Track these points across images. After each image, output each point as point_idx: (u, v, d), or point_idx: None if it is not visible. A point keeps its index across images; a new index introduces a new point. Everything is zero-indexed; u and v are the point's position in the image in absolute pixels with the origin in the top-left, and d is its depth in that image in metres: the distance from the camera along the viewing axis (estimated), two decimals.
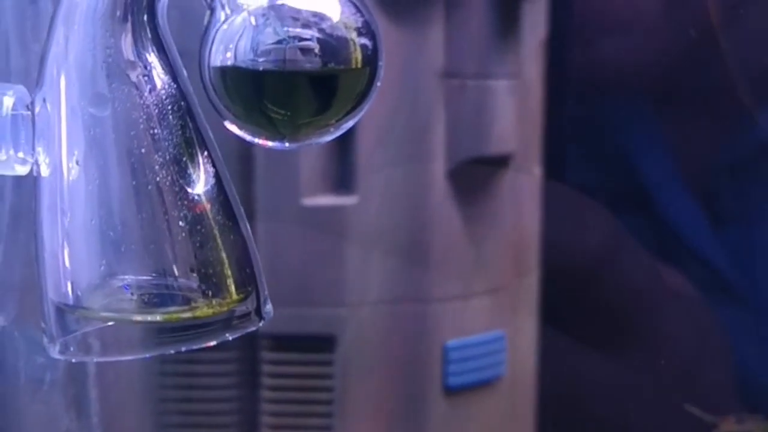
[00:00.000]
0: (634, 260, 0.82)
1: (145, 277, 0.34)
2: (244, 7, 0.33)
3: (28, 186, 0.41)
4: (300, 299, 0.70)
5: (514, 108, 0.74)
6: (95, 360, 0.36)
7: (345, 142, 0.70)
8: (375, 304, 0.71)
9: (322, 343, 0.71)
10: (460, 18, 0.71)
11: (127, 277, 0.34)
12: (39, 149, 0.34)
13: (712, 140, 0.82)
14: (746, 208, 0.82)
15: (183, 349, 0.34)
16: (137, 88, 0.33)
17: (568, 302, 0.82)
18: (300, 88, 0.34)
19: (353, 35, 0.34)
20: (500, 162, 0.74)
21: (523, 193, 0.77)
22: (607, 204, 0.83)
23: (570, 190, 0.83)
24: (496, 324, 0.75)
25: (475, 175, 0.73)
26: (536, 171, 0.78)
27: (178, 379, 0.69)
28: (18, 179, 0.41)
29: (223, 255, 0.34)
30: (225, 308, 0.34)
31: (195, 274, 0.34)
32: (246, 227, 0.35)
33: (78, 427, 0.45)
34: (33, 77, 0.35)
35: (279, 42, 0.33)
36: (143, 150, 0.33)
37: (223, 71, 0.34)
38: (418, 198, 0.71)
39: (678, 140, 0.82)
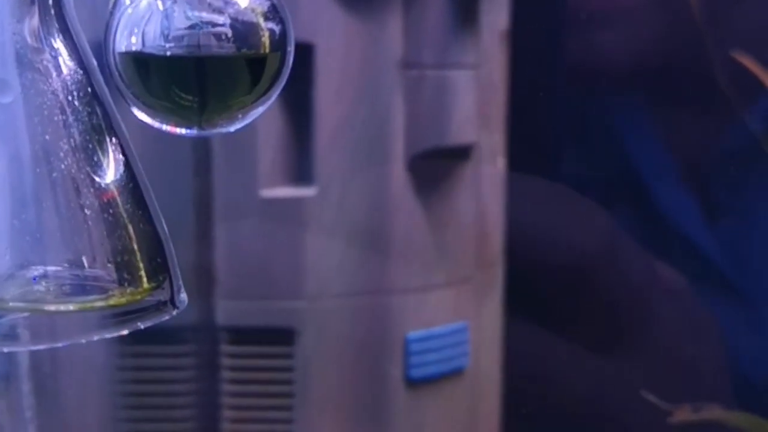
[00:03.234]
0: (616, 248, 0.82)
1: (57, 268, 0.33)
2: None
3: None
4: (260, 292, 0.70)
5: (474, 98, 0.74)
6: (26, 348, 0.36)
7: (304, 133, 0.70)
8: (335, 296, 0.71)
9: (283, 336, 0.70)
10: (419, 7, 0.71)
11: (39, 267, 0.33)
12: None
13: (705, 132, 0.81)
14: (741, 201, 0.82)
15: (94, 337, 0.33)
16: (43, 74, 0.33)
17: (535, 292, 0.82)
18: (210, 75, 0.33)
19: (261, 20, 0.33)
20: (461, 153, 0.74)
21: (485, 184, 0.76)
22: (599, 196, 0.83)
23: (535, 181, 0.83)
24: (459, 315, 0.75)
25: (436, 166, 0.73)
26: (499, 162, 0.78)
27: (134, 373, 0.69)
28: None
29: (134, 244, 0.33)
30: (138, 297, 0.34)
31: (110, 264, 0.33)
32: (158, 216, 0.34)
33: (9, 421, 0.45)
34: None
35: (191, 27, 0.33)
36: (49, 137, 0.32)
37: (129, 57, 0.33)
38: (378, 189, 0.71)
39: (668, 131, 0.82)
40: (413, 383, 0.73)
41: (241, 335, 0.70)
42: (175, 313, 0.35)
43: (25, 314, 0.34)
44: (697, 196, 0.82)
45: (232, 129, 0.34)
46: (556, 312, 0.82)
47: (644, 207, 0.83)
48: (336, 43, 0.69)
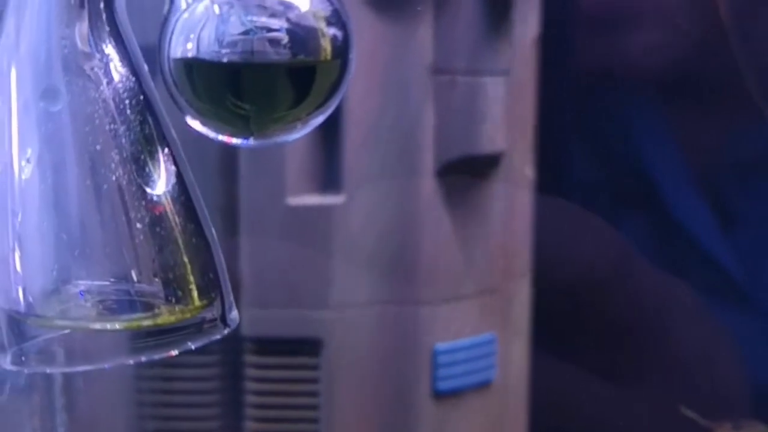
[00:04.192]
0: (630, 267, 0.81)
1: (103, 282, 0.32)
2: None
3: None
4: (285, 301, 0.68)
5: (504, 106, 0.73)
6: (50, 371, 0.34)
7: (332, 140, 0.69)
8: (362, 306, 0.70)
9: (308, 347, 0.69)
10: (451, 12, 0.70)
11: (84, 282, 0.32)
12: None
13: (721, 138, 0.80)
14: (757, 210, 0.81)
15: (143, 359, 0.32)
16: (93, 82, 0.31)
17: (562, 308, 0.81)
18: (267, 82, 0.32)
19: (322, 25, 0.32)
20: (490, 161, 0.73)
21: (514, 193, 0.75)
22: (613, 203, 0.82)
23: (562, 196, 0.82)
24: (486, 327, 0.74)
25: (465, 175, 0.71)
26: (528, 171, 0.77)
27: (158, 383, 0.68)
28: None
29: (185, 259, 0.32)
30: (188, 315, 0.32)
31: (157, 279, 0.32)
32: (210, 230, 0.33)
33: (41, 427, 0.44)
34: None
35: (245, 33, 0.32)
36: (99, 147, 0.31)
37: (185, 63, 0.32)
38: (406, 198, 0.70)
39: (687, 138, 0.81)
40: (440, 395, 0.72)
41: (266, 345, 0.69)
42: (226, 332, 0.33)
43: (68, 331, 0.32)
44: (712, 205, 0.81)
45: (290, 138, 0.32)
46: (566, 332, 0.81)
47: (659, 215, 0.82)
48: (366, 47, 0.67)
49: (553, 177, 0.82)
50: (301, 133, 0.33)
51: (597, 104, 0.82)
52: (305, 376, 0.69)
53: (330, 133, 0.68)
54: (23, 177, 0.31)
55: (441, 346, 0.71)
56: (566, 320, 0.80)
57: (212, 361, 0.68)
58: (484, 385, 0.74)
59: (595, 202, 0.83)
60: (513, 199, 0.75)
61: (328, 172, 0.69)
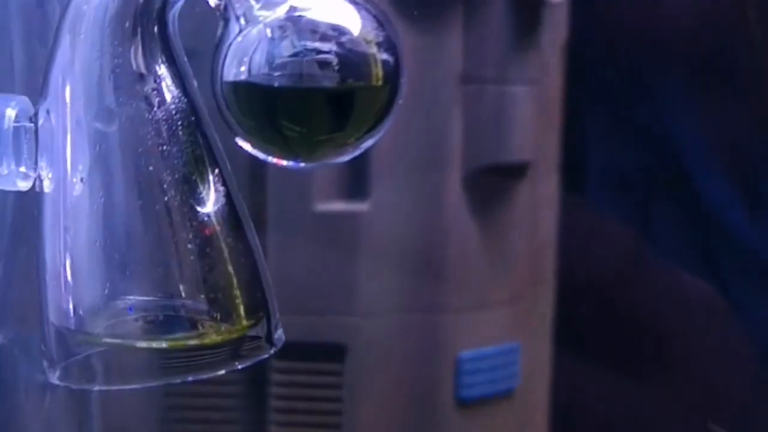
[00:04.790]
0: (654, 272, 0.81)
1: (150, 299, 0.32)
2: (261, 18, 0.31)
3: (30, 201, 0.39)
4: (310, 307, 0.69)
5: (533, 115, 0.73)
6: (96, 388, 0.34)
7: None
8: (387, 313, 0.70)
9: (333, 353, 0.69)
10: (479, 22, 0.70)
11: (131, 298, 0.32)
12: (42, 164, 0.32)
13: (753, 122, 0.80)
14: None
15: (189, 378, 0.32)
16: (146, 102, 0.31)
17: (585, 315, 0.81)
18: (317, 105, 0.32)
19: (374, 50, 0.32)
20: (518, 170, 0.73)
21: (539, 202, 0.75)
22: (643, 187, 0.82)
23: (592, 182, 0.82)
24: (511, 335, 0.74)
25: (492, 183, 0.72)
26: (553, 179, 0.77)
27: (182, 386, 0.68)
28: (20, 193, 0.40)
29: (233, 279, 0.32)
30: (234, 335, 0.32)
31: (203, 298, 0.32)
32: (258, 249, 0.33)
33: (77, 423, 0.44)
34: (38, 84, 0.33)
35: (295, 55, 0.32)
36: (151, 168, 0.31)
37: (237, 86, 0.32)
38: (432, 205, 0.70)
39: (716, 121, 0.81)
40: (463, 403, 0.72)
41: (290, 351, 0.68)
42: (272, 351, 0.33)
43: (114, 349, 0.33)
44: (741, 188, 0.81)
45: (341, 160, 0.33)
46: (581, 333, 0.81)
47: (687, 199, 0.82)
48: None
49: (582, 162, 0.82)
50: (351, 155, 0.33)
51: (628, 88, 0.82)
52: (329, 381, 0.69)
53: None
54: (75, 195, 0.31)
55: (465, 353, 0.71)
56: (586, 325, 0.80)
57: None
58: (507, 393, 0.74)
59: (625, 187, 0.83)
60: (538, 208, 0.75)
61: (355, 178, 0.69)
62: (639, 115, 0.82)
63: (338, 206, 0.69)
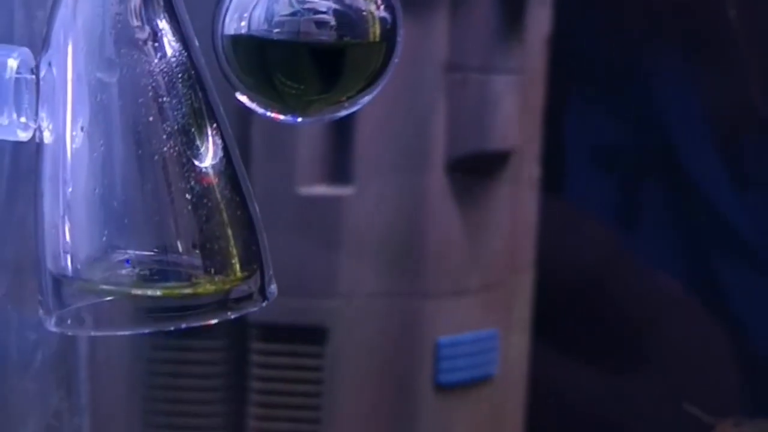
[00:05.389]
0: (631, 267, 0.81)
1: (146, 253, 0.33)
2: None
3: (25, 161, 0.40)
4: (292, 289, 0.69)
5: (516, 104, 0.73)
6: (91, 333, 0.35)
7: (344, 131, 0.69)
8: (368, 297, 0.70)
9: (313, 335, 0.70)
10: (464, 11, 0.70)
11: (128, 251, 0.32)
12: (42, 115, 0.33)
13: (742, 101, 0.81)
14: None
15: (182, 326, 0.33)
16: (146, 55, 0.32)
17: (563, 306, 0.81)
18: (313, 62, 0.33)
19: (372, 8, 0.33)
20: (500, 158, 0.73)
21: (520, 191, 0.76)
22: (632, 165, 0.83)
23: (582, 161, 0.83)
24: (490, 322, 0.74)
25: (474, 171, 0.72)
26: (535, 169, 0.78)
27: (167, 366, 0.68)
28: (16, 154, 0.40)
29: (229, 231, 0.33)
30: (228, 286, 0.33)
31: (198, 251, 0.33)
32: (253, 204, 0.34)
33: (67, 406, 0.45)
34: (37, 45, 0.34)
35: (293, 14, 0.32)
36: (150, 118, 0.32)
37: (236, 40, 0.33)
38: (415, 191, 0.71)
39: (706, 100, 0.81)
40: (442, 388, 0.72)
41: (272, 332, 0.69)
42: (264, 304, 0.34)
43: (108, 299, 0.33)
44: (727, 165, 0.82)
45: (337, 116, 0.33)
46: (561, 328, 0.82)
47: (674, 174, 0.82)
48: None
49: (573, 141, 0.83)
50: (347, 111, 0.34)
51: (617, 66, 0.82)
52: (310, 363, 0.69)
53: (342, 125, 0.69)
54: (75, 146, 0.32)
55: (444, 339, 0.71)
56: (565, 316, 0.81)
57: (219, 346, 0.69)
58: (485, 379, 0.74)
59: (614, 164, 0.84)
60: (519, 197, 0.76)
61: (339, 163, 0.70)
62: (626, 92, 0.83)
63: (321, 190, 0.69)
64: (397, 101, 0.70)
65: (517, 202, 0.76)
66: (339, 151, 0.70)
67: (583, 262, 0.81)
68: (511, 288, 0.76)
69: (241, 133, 0.67)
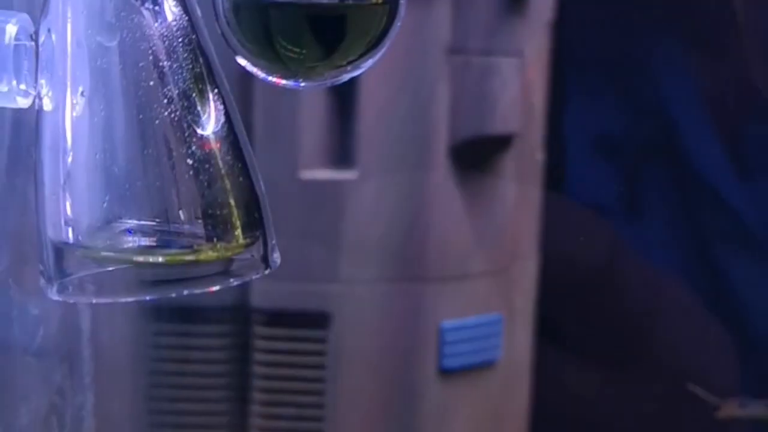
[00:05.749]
0: (632, 262, 0.81)
1: (148, 222, 0.32)
2: None
3: (25, 132, 0.40)
4: (295, 274, 0.69)
5: (518, 87, 0.73)
6: (93, 301, 0.35)
7: (346, 116, 0.69)
8: (371, 282, 0.70)
9: (316, 320, 0.69)
10: None
11: (130, 221, 0.32)
12: (42, 81, 0.33)
13: (746, 88, 0.80)
14: None
15: (185, 292, 0.32)
16: (146, 18, 0.32)
17: (565, 296, 0.81)
18: (314, 26, 0.32)
19: None
20: (503, 142, 0.73)
21: (524, 176, 0.76)
22: (635, 152, 0.82)
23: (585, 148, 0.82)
24: (493, 307, 0.74)
25: (477, 155, 0.72)
26: (538, 156, 0.78)
27: (171, 351, 0.68)
28: (16, 125, 0.40)
29: (231, 197, 0.32)
30: (230, 253, 0.33)
31: (200, 218, 0.32)
32: (255, 170, 0.34)
33: (70, 384, 0.44)
34: (36, 11, 0.34)
35: None
36: (151, 83, 0.32)
37: (237, 4, 0.32)
38: (418, 176, 0.70)
39: (707, 87, 0.81)
40: (446, 373, 0.72)
41: (275, 317, 0.69)
42: (266, 272, 0.34)
43: (109, 268, 0.33)
44: (731, 153, 0.81)
45: (340, 81, 0.33)
46: (562, 325, 0.82)
47: (679, 163, 0.82)
48: None
49: (576, 129, 0.83)
50: (350, 75, 0.33)
51: (619, 52, 0.82)
52: (313, 348, 0.69)
53: (345, 110, 0.69)
54: (75, 113, 0.32)
55: (447, 323, 0.71)
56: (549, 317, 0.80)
57: (222, 331, 0.69)
58: (489, 364, 0.74)
59: (615, 152, 0.84)
60: (523, 181, 0.76)
61: (341, 147, 0.69)
62: (628, 79, 0.82)
63: (324, 175, 0.69)
64: (399, 85, 0.69)
65: (521, 187, 0.76)
66: (341, 136, 0.70)
67: (578, 258, 0.81)
68: (515, 274, 0.76)
69: (243, 118, 0.67)
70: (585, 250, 0.81)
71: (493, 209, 0.74)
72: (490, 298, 0.74)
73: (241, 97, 0.64)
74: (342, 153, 0.70)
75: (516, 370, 0.77)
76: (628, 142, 0.82)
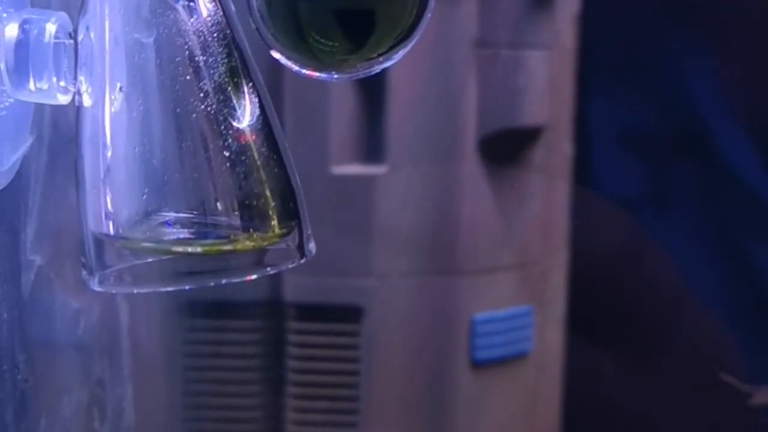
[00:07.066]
0: (656, 255, 0.82)
1: (186, 215, 0.33)
2: None
3: (65, 127, 0.40)
4: (327, 269, 0.69)
5: (546, 80, 0.73)
6: (133, 291, 0.35)
7: (376, 111, 0.70)
8: (403, 275, 0.70)
9: (349, 314, 0.70)
10: None
11: (169, 213, 0.33)
12: (81, 78, 0.33)
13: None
14: None
15: (222, 282, 0.33)
16: (182, 14, 0.33)
17: (594, 288, 0.81)
18: (345, 18, 0.33)
19: None
20: (532, 134, 0.73)
21: (553, 168, 0.76)
22: (663, 146, 0.83)
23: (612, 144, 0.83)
24: (524, 299, 0.74)
25: (506, 148, 0.72)
26: (567, 146, 0.78)
27: (206, 346, 0.69)
28: (56, 121, 0.41)
29: (267, 188, 0.33)
30: (266, 243, 0.33)
31: (236, 211, 0.33)
32: (290, 161, 0.34)
33: (110, 376, 0.45)
34: (74, 10, 0.34)
35: None
36: (187, 77, 0.32)
37: None
38: (448, 169, 0.71)
39: (734, 79, 0.81)
40: (478, 365, 0.72)
41: (308, 312, 0.70)
42: (302, 261, 0.34)
43: (152, 256, 0.34)
44: (758, 145, 0.81)
45: (372, 72, 0.34)
46: (586, 315, 0.82)
47: (704, 154, 0.82)
48: None
49: (603, 123, 0.83)
50: (381, 67, 0.34)
51: (645, 48, 0.82)
52: (346, 342, 0.70)
53: (374, 104, 0.69)
54: (114, 108, 0.32)
55: (479, 316, 0.71)
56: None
57: (255, 326, 0.69)
58: (520, 356, 0.74)
59: (642, 145, 0.84)
60: (552, 173, 0.76)
61: (371, 142, 0.70)
62: (655, 74, 0.83)
63: (355, 170, 0.70)
64: (428, 79, 0.70)
65: (550, 178, 0.76)
66: (371, 131, 0.70)
67: (603, 249, 0.81)
68: (546, 266, 0.76)
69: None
70: (613, 243, 0.82)
71: (522, 202, 0.74)
72: (521, 290, 0.75)
73: (270, 94, 0.65)
74: (372, 148, 0.70)
75: (547, 362, 0.77)
76: (655, 136, 0.83)
